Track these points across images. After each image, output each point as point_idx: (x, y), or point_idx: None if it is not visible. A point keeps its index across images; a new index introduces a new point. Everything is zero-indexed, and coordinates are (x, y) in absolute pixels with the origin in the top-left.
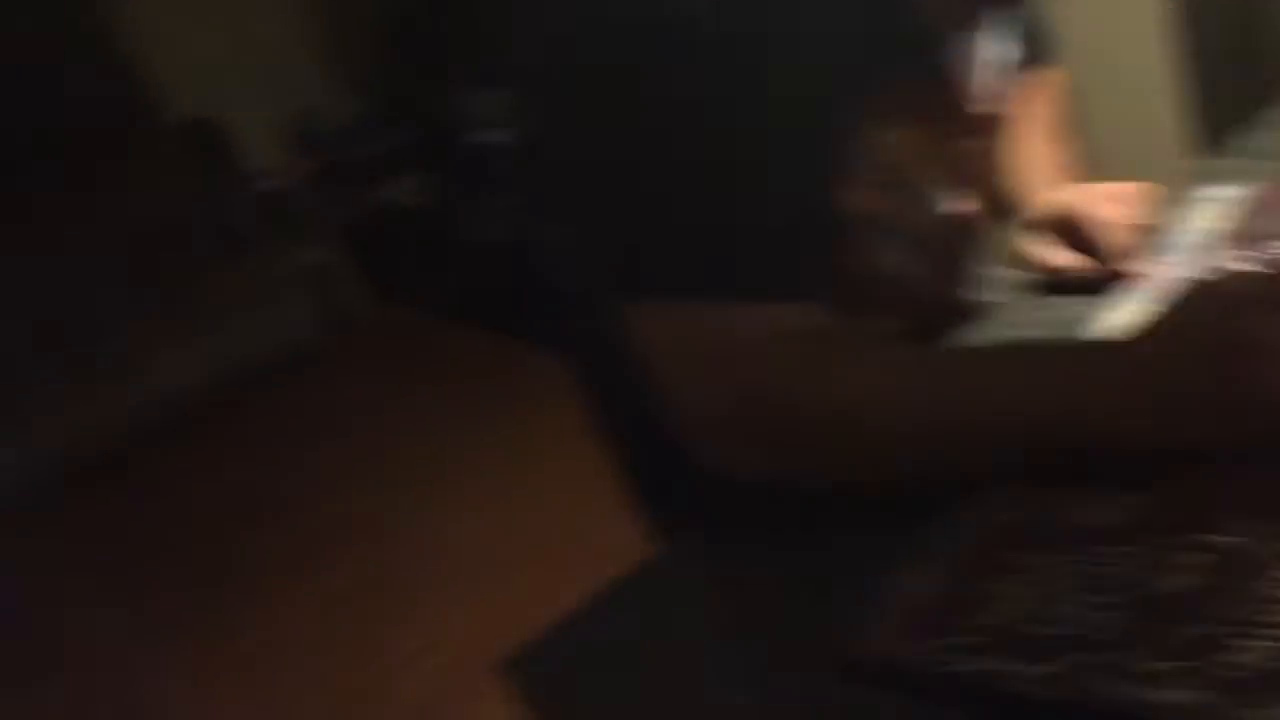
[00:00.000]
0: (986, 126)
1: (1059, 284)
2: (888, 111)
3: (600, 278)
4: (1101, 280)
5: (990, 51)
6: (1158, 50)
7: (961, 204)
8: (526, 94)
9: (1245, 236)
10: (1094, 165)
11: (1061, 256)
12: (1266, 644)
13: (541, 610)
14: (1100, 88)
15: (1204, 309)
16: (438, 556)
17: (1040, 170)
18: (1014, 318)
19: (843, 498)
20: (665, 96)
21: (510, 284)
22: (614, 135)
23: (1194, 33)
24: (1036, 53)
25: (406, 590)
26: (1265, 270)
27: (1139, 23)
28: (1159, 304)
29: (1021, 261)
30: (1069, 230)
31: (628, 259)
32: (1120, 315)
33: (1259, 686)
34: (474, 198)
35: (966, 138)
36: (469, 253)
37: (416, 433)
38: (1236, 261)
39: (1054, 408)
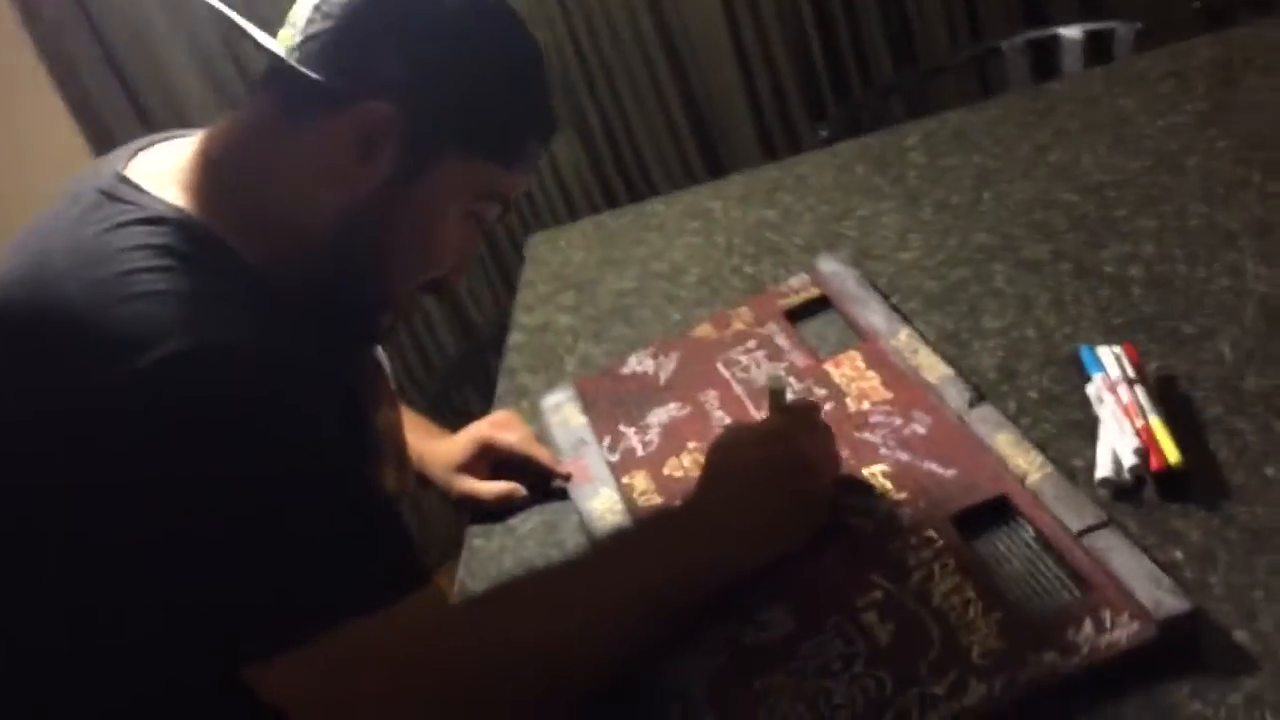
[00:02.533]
0: (395, 397)
1: (508, 507)
2: (370, 397)
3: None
4: (547, 488)
5: None
6: None
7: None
8: None
9: (611, 417)
10: None
11: (497, 484)
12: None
13: None
14: None
15: (757, 449)
16: None
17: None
18: (512, 544)
19: None
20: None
21: None
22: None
23: None
24: None
25: None
26: (795, 406)
27: None
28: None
29: (467, 502)
30: (490, 461)
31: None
32: (599, 501)
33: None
34: None
35: (393, 409)
36: None
37: None
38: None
39: (676, 580)
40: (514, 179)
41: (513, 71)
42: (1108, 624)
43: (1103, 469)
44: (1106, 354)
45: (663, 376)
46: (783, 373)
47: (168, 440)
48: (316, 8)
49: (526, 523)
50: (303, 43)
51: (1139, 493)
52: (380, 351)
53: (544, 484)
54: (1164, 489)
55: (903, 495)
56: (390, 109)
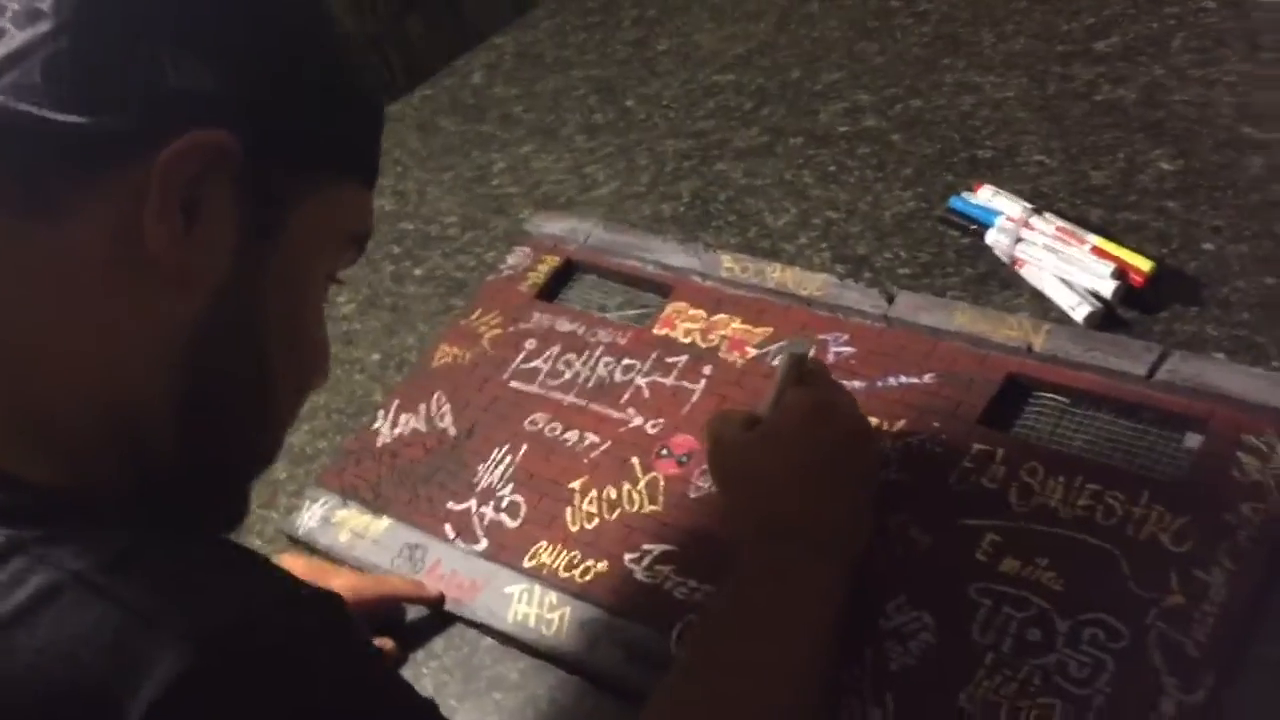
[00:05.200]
0: None
1: None
2: None
3: None
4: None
5: None
6: None
7: None
8: None
9: (424, 502)
10: None
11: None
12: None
13: None
14: None
15: (817, 429)
16: None
17: None
18: None
19: None
20: None
21: None
22: None
23: None
24: None
25: None
26: (817, 370)
27: None
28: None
29: None
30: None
31: None
32: (523, 606)
33: None
34: None
35: None
36: None
37: None
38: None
39: None
40: (370, 201)
41: (334, 42)
42: (1266, 448)
43: (1078, 307)
44: (984, 195)
45: (449, 426)
46: (805, 340)
47: None
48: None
49: (422, 682)
50: None
51: (1115, 316)
52: None
53: (398, 625)
54: (1141, 305)
55: (900, 424)
56: (223, 134)
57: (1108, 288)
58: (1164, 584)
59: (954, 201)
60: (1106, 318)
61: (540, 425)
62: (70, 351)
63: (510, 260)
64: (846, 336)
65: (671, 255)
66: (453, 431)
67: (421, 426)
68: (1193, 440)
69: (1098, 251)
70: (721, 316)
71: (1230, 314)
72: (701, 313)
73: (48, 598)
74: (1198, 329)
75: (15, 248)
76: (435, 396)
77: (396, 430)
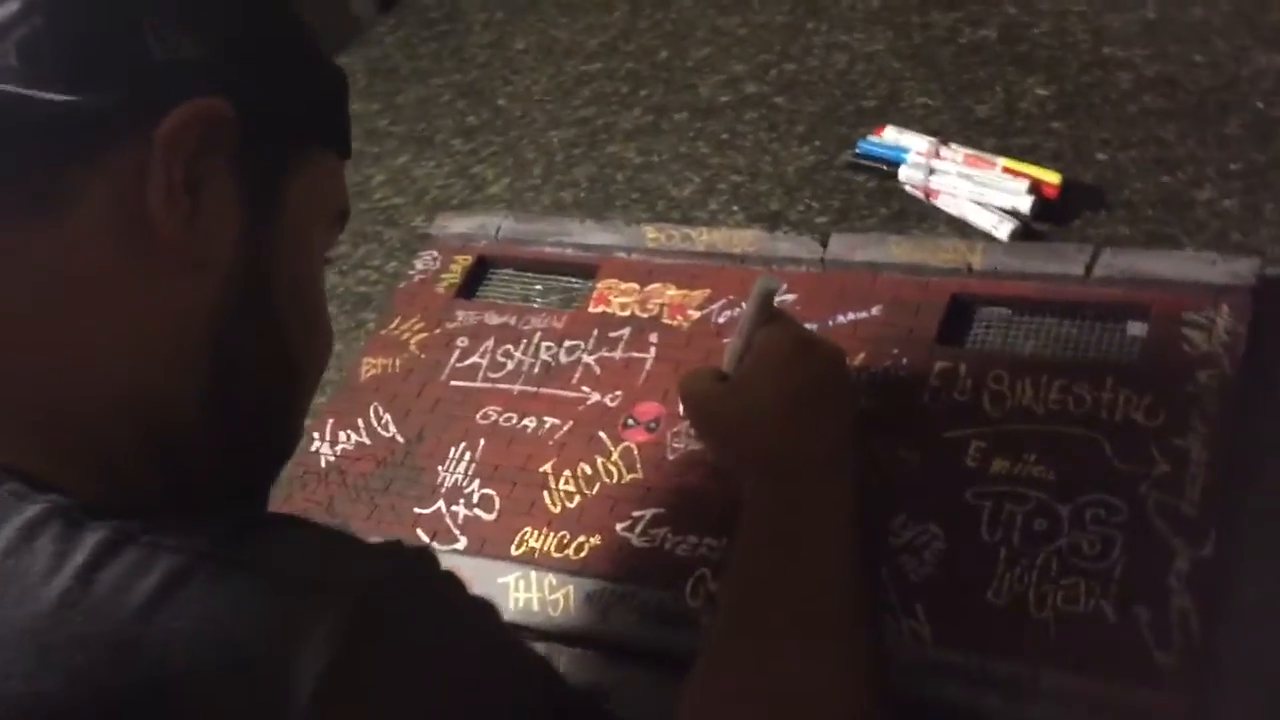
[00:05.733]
0: None
1: None
2: None
3: None
4: None
5: None
6: None
7: None
8: None
9: (386, 513)
10: None
11: None
12: None
13: None
14: None
15: (798, 367)
16: None
17: None
18: None
19: None
20: None
21: None
22: None
23: None
24: None
25: None
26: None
27: None
28: None
29: None
30: None
31: None
32: (522, 593)
33: None
34: None
35: None
36: None
37: None
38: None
39: None
40: (345, 174)
41: (297, 12)
42: (1207, 321)
43: (1000, 225)
44: (890, 135)
45: (395, 435)
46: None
47: None
48: None
49: None
50: None
51: (1031, 231)
52: None
53: None
54: (1054, 218)
55: (861, 356)
56: (218, 102)
57: (1025, 203)
58: (1148, 457)
59: (861, 145)
60: (1025, 233)
61: (494, 418)
62: (88, 353)
63: (419, 265)
64: (786, 285)
65: (591, 235)
66: (400, 439)
67: (365, 440)
68: (1135, 328)
69: (1009, 171)
70: (656, 286)
71: (1136, 213)
72: (634, 285)
73: (180, 579)
74: (1111, 230)
75: (20, 249)
76: (372, 409)
77: (339, 448)
